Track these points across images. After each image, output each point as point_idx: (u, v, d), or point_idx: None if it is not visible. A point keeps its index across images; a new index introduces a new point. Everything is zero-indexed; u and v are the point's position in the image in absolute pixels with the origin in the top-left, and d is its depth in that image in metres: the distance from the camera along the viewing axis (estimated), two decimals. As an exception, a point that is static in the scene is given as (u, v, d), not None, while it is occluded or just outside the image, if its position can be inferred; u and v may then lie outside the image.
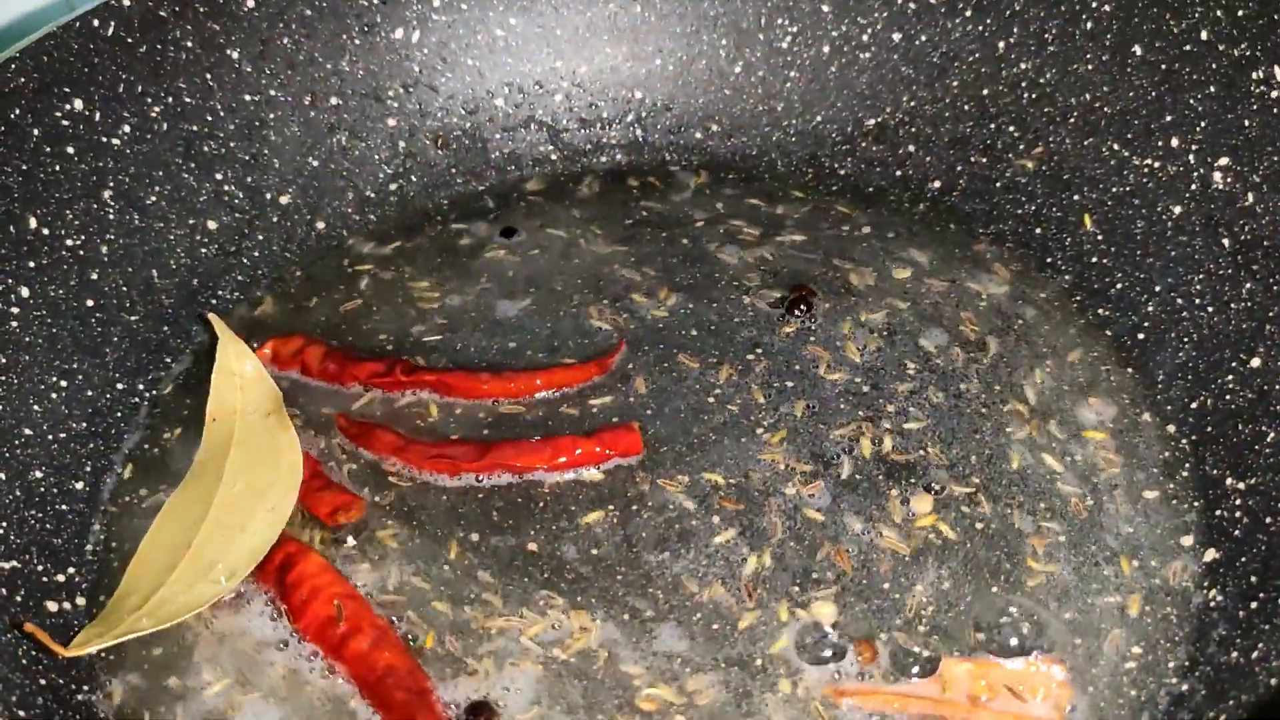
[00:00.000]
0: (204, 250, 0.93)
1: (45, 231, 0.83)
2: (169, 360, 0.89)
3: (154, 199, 0.90)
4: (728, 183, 1.02)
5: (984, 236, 0.96)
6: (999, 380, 0.86)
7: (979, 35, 0.98)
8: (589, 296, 0.92)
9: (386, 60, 1.00)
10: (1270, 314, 0.80)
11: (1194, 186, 0.86)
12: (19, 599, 0.73)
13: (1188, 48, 0.87)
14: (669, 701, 0.70)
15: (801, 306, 0.90)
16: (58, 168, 0.84)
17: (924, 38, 0.99)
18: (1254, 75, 0.83)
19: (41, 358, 0.81)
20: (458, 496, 0.80)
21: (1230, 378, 0.80)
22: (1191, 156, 0.86)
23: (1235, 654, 0.68)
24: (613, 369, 0.87)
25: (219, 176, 0.94)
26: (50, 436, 0.80)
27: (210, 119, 0.93)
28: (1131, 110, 0.90)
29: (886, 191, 1.00)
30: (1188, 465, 0.80)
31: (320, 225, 0.98)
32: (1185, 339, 0.84)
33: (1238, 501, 0.76)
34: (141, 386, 0.87)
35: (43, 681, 0.70)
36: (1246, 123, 0.83)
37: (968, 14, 0.97)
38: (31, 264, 0.82)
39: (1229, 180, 0.84)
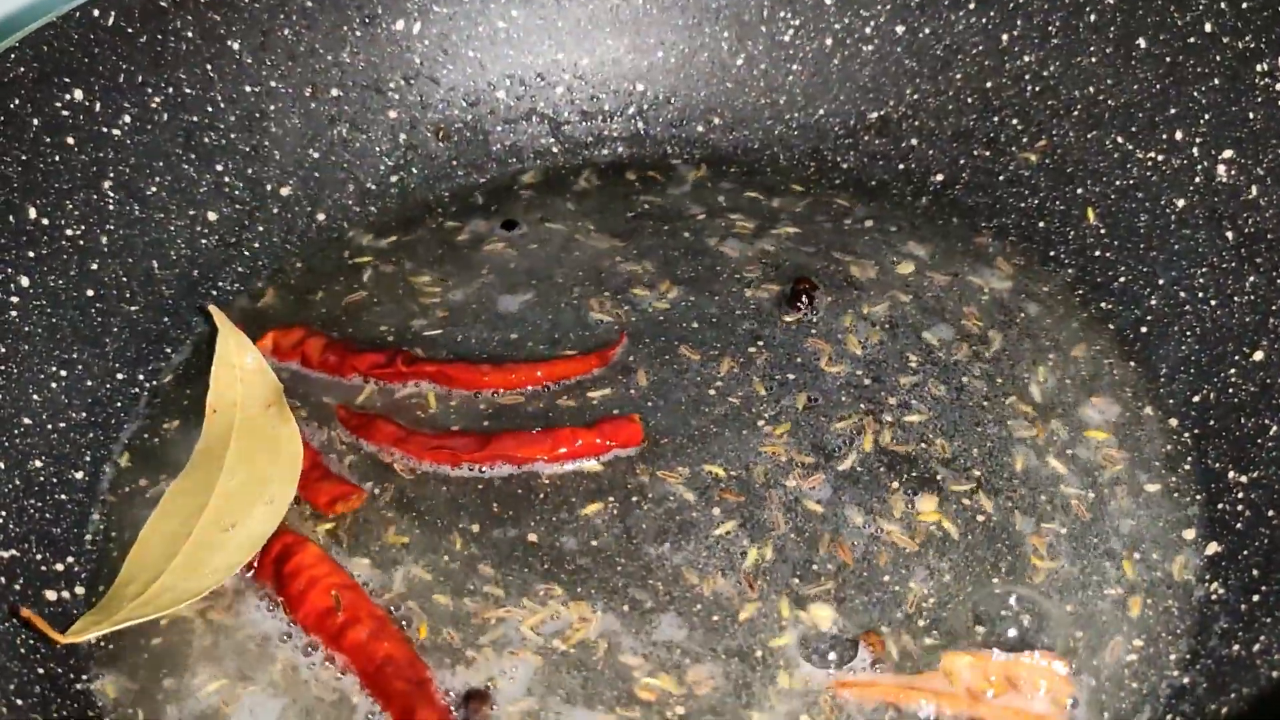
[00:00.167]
0: (204, 241, 0.93)
1: (45, 221, 0.83)
2: (169, 351, 0.89)
3: (154, 190, 0.90)
4: (729, 176, 1.02)
5: (987, 230, 0.95)
6: (1001, 374, 0.85)
7: (982, 28, 0.97)
8: (590, 289, 0.92)
9: (387, 52, 1.00)
10: (1273, 307, 0.79)
11: (1198, 180, 0.86)
12: (17, 587, 0.73)
13: (1192, 40, 0.87)
14: (668, 692, 0.70)
15: (803, 299, 0.89)
16: (58, 158, 0.84)
17: (927, 30, 0.99)
18: (1258, 68, 0.83)
19: (41, 347, 0.81)
20: (458, 487, 0.80)
21: (1233, 371, 0.80)
22: (1195, 150, 0.86)
23: (1237, 647, 0.68)
24: (614, 361, 0.87)
25: (219, 168, 0.94)
26: (50, 426, 0.80)
27: (211, 110, 0.93)
28: (1135, 103, 0.90)
29: (889, 185, 1.00)
30: (1190, 459, 0.80)
31: (321, 217, 0.98)
32: (1188, 332, 0.84)
33: (1240, 495, 0.76)
34: (141, 377, 0.87)
35: (41, 670, 0.70)
36: (1250, 116, 0.83)
37: (971, 7, 0.97)
38: (31, 254, 0.82)
39: (1233, 173, 0.84)
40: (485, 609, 0.74)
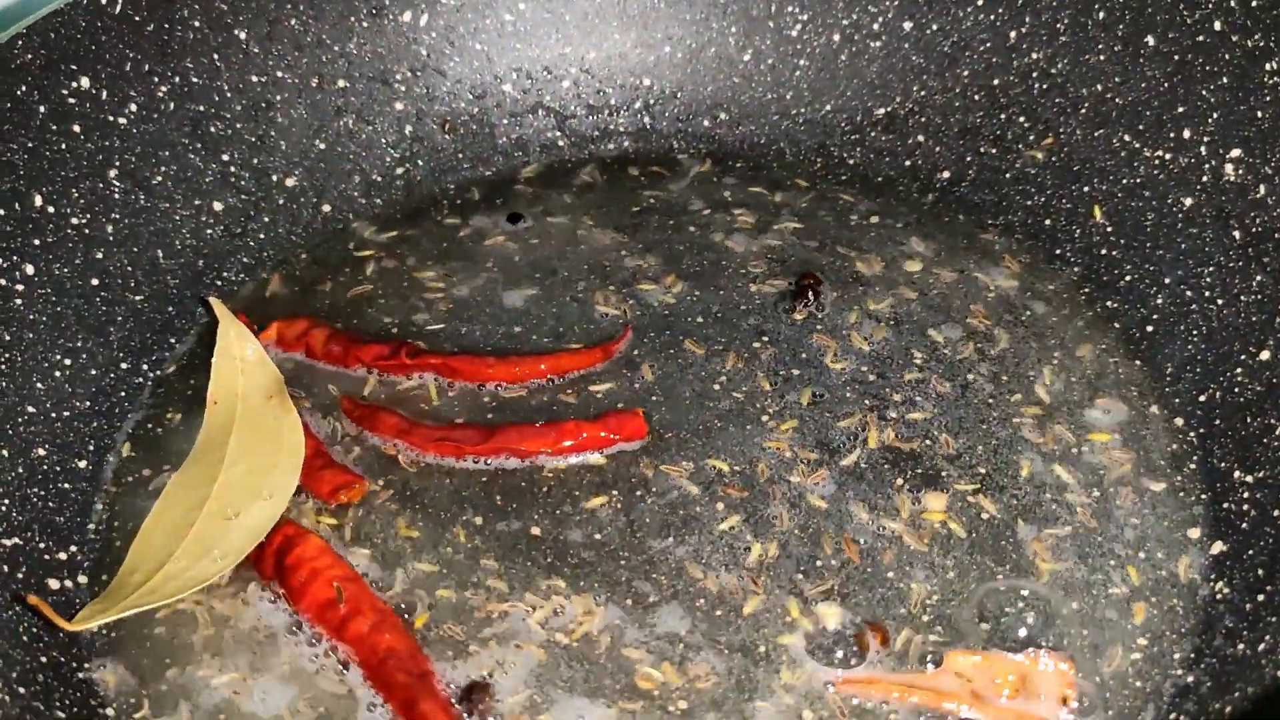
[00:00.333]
0: (209, 231, 0.93)
1: (51, 210, 0.83)
2: (173, 340, 0.89)
3: (160, 179, 0.90)
4: (735, 171, 1.01)
5: (993, 227, 0.95)
6: (1006, 372, 0.85)
7: (990, 25, 0.97)
8: (595, 283, 0.92)
9: (394, 43, 1.00)
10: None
11: (1205, 178, 0.86)
12: (20, 576, 0.73)
13: (1200, 38, 0.87)
14: (670, 684, 0.70)
15: (810, 295, 0.89)
16: (64, 146, 0.84)
17: (935, 27, 0.99)
18: (1267, 67, 0.82)
19: (45, 336, 0.81)
20: (462, 480, 0.80)
21: (1239, 370, 0.80)
22: (1203, 148, 0.86)
23: (1241, 646, 0.68)
24: (619, 355, 0.87)
25: (225, 157, 0.94)
26: (54, 414, 0.80)
27: (217, 99, 0.93)
28: (1143, 101, 0.90)
29: (895, 181, 0.99)
30: (1196, 458, 0.80)
31: (326, 208, 0.98)
32: (1194, 332, 0.84)
33: (1245, 494, 0.76)
34: (145, 366, 0.87)
35: (43, 659, 0.70)
36: (1259, 114, 0.83)
37: (979, 3, 0.97)
38: (36, 242, 0.82)
39: (1240, 172, 0.84)
40: (488, 602, 0.74)
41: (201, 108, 0.92)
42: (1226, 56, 0.85)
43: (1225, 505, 0.76)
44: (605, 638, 0.72)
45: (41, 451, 0.78)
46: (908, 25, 1.00)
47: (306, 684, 0.70)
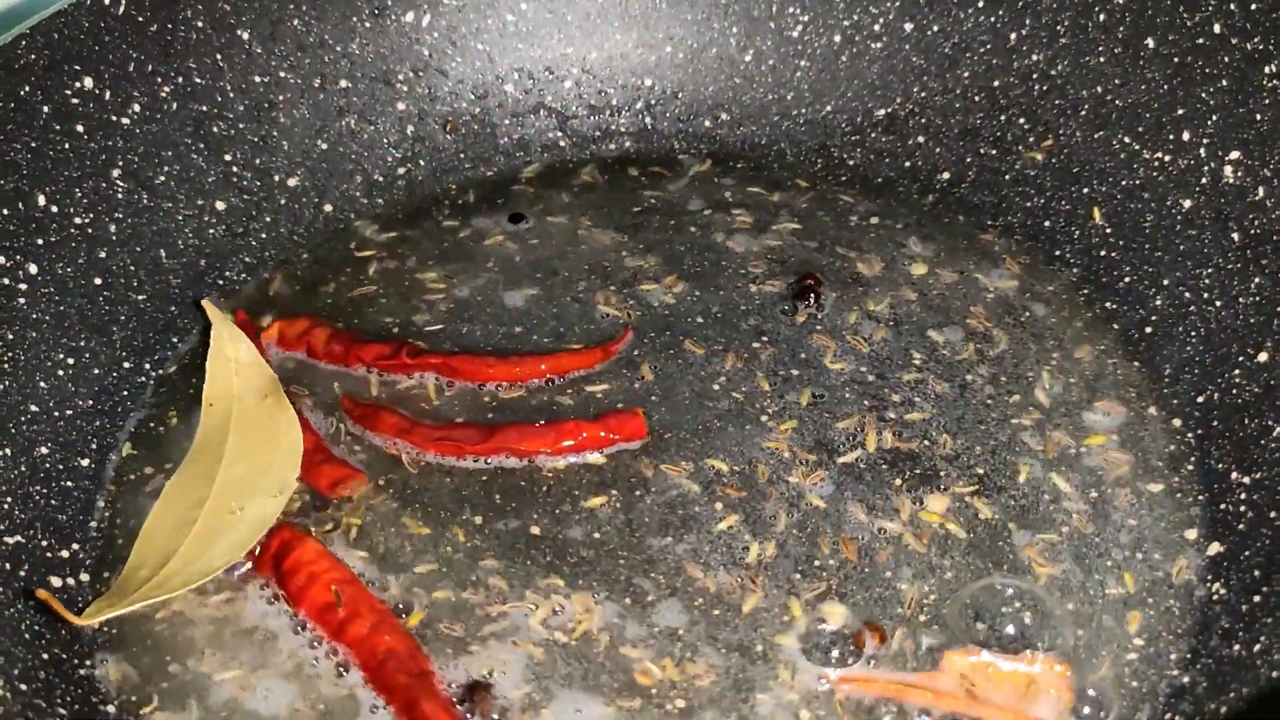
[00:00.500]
0: (211, 231, 0.93)
1: (54, 209, 0.83)
2: (175, 340, 0.89)
3: (163, 179, 0.90)
4: (735, 172, 1.02)
5: (992, 229, 0.95)
6: (1005, 373, 0.85)
7: (991, 26, 0.97)
8: (596, 283, 0.92)
9: (396, 44, 1.00)
10: (1278, 309, 0.79)
11: (1204, 180, 0.86)
12: (23, 573, 0.73)
13: (1200, 41, 0.87)
14: (669, 682, 0.70)
15: (810, 295, 0.89)
16: (67, 146, 0.84)
17: (936, 28, 0.99)
18: (1266, 69, 0.83)
19: (48, 335, 0.81)
20: (461, 479, 0.80)
21: (1237, 372, 0.80)
22: (1202, 150, 0.86)
23: (1237, 647, 0.68)
24: (619, 355, 0.87)
25: (228, 157, 0.94)
26: (56, 413, 0.80)
27: (220, 99, 0.93)
28: (1143, 103, 0.90)
29: (895, 182, 1.00)
30: (1193, 459, 0.80)
31: (328, 208, 0.98)
32: (1193, 333, 0.84)
33: (1243, 496, 0.76)
34: (148, 366, 0.87)
35: (45, 656, 0.70)
36: (1258, 117, 0.83)
37: (980, 5, 0.97)
38: (40, 241, 0.82)
39: (1239, 174, 0.84)
40: (488, 601, 0.74)
41: (204, 108, 0.92)
42: (1226, 59, 0.85)
43: (1222, 506, 0.77)
44: (604, 636, 0.72)
45: (44, 450, 0.79)
46: (909, 26, 1.00)
47: (308, 684, 0.71)
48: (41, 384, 0.80)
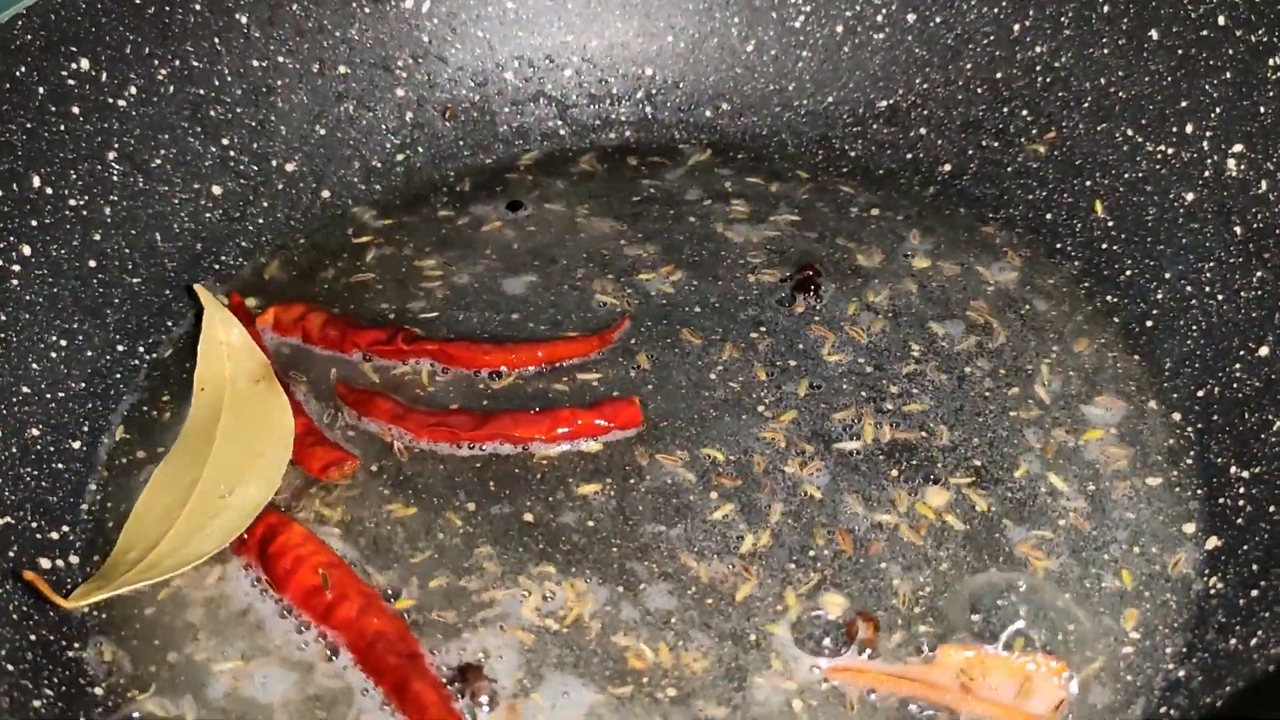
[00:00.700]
0: (208, 215, 0.93)
1: (49, 191, 0.83)
2: (170, 324, 0.89)
3: (159, 162, 0.90)
4: (735, 162, 1.01)
5: (994, 221, 0.95)
6: (1005, 366, 0.85)
7: (994, 17, 0.97)
8: (594, 271, 0.92)
9: (396, 30, 1.00)
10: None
11: (1207, 173, 0.85)
12: (12, 555, 0.73)
13: (1204, 33, 0.86)
14: (661, 668, 0.70)
15: (809, 286, 0.89)
16: (63, 127, 0.84)
17: (938, 19, 0.99)
18: (1270, 62, 0.82)
19: (42, 316, 0.81)
20: (455, 466, 0.80)
21: (1238, 366, 0.80)
22: (1205, 143, 0.86)
23: (1234, 641, 0.68)
24: (615, 344, 0.87)
25: (225, 141, 0.93)
26: (48, 395, 0.80)
27: (217, 83, 0.93)
28: (1146, 95, 0.89)
29: (896, 174, 0.99)
30: (1192, 453, 0.79)
31: (325, 194, 0.98)
32: (1194, 327, 0.83)
33: (1241, 490, 0.75)
34: (141, 349, 0.87)
35: (33, 638, 0.70)
36: (1262, 110, 0.82)
37: (983, -5, 0.97)
38: (34, 223, 0.82)
39: (1242, 168, 0.83)
40: (481, 587, 0.74)
41: (202, 91, 0.92)
42: (1230, 51, 0.85)
43: (1221, 500, 0.76)
44: (596, 623, 0.72)
45: (36, 432, 0.78)
46: (911, 17, 0.99)
47: (299, 668, 0.70)
48: (34, 366, 0.80)
